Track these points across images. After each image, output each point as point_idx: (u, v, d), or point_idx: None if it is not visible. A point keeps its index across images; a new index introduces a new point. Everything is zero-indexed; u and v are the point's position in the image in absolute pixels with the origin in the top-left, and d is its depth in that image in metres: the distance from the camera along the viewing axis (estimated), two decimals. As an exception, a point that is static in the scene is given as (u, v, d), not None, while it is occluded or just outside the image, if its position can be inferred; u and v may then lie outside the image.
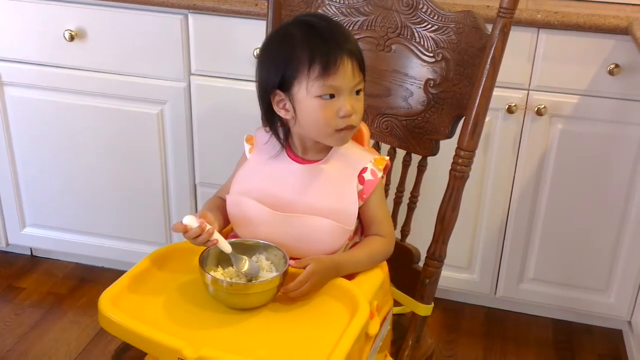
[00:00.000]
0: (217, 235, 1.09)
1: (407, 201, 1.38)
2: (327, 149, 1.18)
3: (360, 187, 1.17)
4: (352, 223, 1.16)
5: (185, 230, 1.08)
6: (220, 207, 1.22)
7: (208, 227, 1.09)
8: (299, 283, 1.07)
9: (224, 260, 1.12)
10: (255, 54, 1.81)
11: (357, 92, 1.14)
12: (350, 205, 1.16)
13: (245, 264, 1.11)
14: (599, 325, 2.07)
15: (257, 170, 1.21)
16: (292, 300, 1.08)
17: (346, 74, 1.10)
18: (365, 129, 1.25)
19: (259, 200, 1.17)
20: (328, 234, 1.14)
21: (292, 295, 1.08)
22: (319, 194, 1.16)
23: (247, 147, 1.25)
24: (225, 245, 1.10)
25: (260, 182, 1.19)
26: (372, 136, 1.33)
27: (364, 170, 1.17)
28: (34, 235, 2.24)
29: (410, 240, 1.39)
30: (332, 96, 1.11)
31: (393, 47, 1.31)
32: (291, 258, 1.11)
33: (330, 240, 1.15)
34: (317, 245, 1.14)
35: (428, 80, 1.28)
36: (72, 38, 1.91)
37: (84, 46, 1.93)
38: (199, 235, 1.08)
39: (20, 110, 2.06)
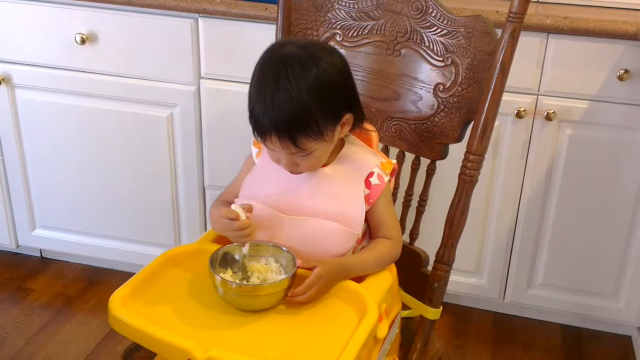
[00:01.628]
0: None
1: (416, 205, 1.38)
2: (334, 153, 1.18)
3: (367, 191, 1.17)
4: (359, 227, 1.16)
5: (236, 218, 1.09)
6: None
7: (253, 223, 1.10)
8: (307, 287, 1.08)
9: (233, 262, 1.13)
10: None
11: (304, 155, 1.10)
12: (356, 210, 1.16)
13: (251, 277, 1.12)
14: (608, 331, 2.06)
15: (265, 174, 1.21)
16: (300, 303, 1.09)
17: (274, 145, 1.09)
18: (374, 133, 1.25)
19: (267, 204, 1.17)
20: (335, 237, 1.14)
21: (300, 300, 1.08)
22: (325, 198, 1.16)
23: (254, 150, 1.25)
24: (247, 247, 1.12)
25: (268, 186, 1.19)
26: (381, 140, 1.34)
27: (370, 174, 1.17)
28: (43, 237, 2.25)
29: (418, 244, 1.39)
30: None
31: (402, 51, 1.32)
32: (299, 262, 1.12)
33: (338, 243, 1.15)
34: (324, 249, 1.14)
35: (437, 84, 1.28)
36: (83, 41, 1.92)
37: (95, 49, 1.94)
38: (244, 228, 1.09)
39: (31, 113, 2.07)
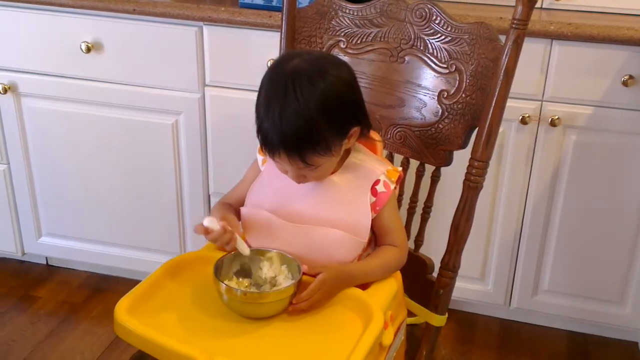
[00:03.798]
0: (236, 236, 1.11)
1: (421, 211, 1.38)
2: (340, 161, 1.18)
3: (373, 199, 1.17)
4: (366, 235, 1.16)
5: (207, 232, 1.09)
6: (233, 212, 1.23)
7: (229, 228, 1.10)
8: (311, 291, 1.08)
9: (238, 269, 1.13)
10: (269, 65, 1.82)
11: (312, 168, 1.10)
12: (363, 218, 1.16)
13: (263, 270, 1.12)
14: (615, 337, 2.05)
15: (271, 182, 1.21)
16: (305, 309, 1.09)
17: (282, 160, 1.09)
18: (379, 143, 1.25)
19: (273, 212, 1.17)
20: (341, 246, 1.14)
21: (304, 306, 1.08)
22: (332, 207, 1.16)
23: (259, 158, 1.25)
24: (243, 247, 1.11)
25: (274, 194, 1.19)
26: (385, 147, 1.34)
27: (376, 182, 1.17)
28: (49, 245, 2.25)
29: (424, 251, 1.39)
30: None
31: (406, 58, 1.32)
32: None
33: (344, 251, 1.15)
34: (330, 257, 1.14)
35: (441, 91, 1.28)
36: (88, 50, 1.93)
37: (100, 58, 1.95)
38: (219, 237, 1.09)
39: (37, 121, 2.08)
